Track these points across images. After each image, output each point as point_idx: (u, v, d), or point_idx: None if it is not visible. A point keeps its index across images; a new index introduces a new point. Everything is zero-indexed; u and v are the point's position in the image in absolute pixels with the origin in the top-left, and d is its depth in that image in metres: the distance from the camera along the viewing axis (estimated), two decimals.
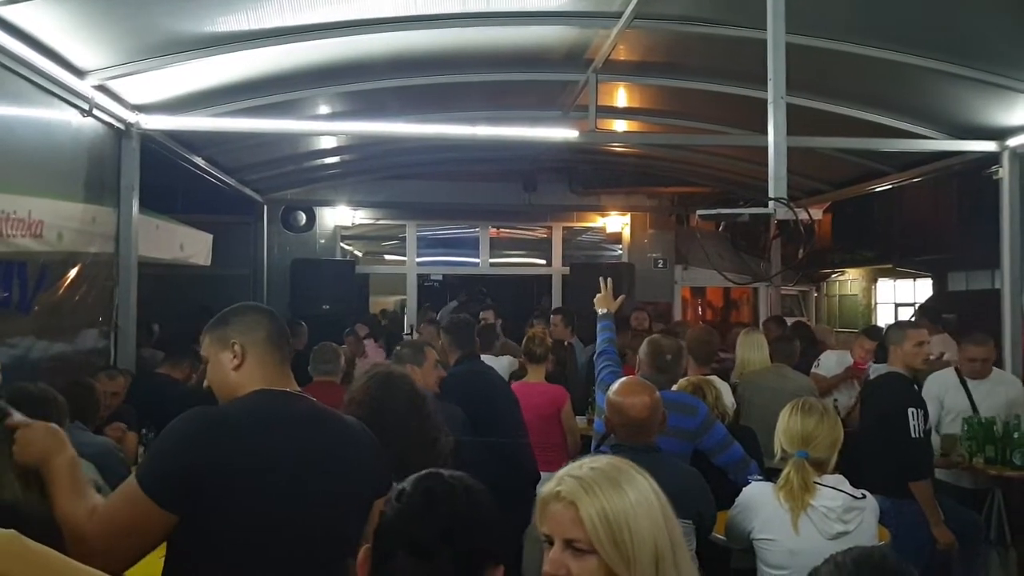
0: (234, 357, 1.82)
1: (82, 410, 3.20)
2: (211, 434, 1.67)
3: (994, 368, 4.71)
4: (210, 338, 1.88)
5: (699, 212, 3.29)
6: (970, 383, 4.57)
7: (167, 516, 1.60)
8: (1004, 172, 5.36)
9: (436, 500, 1.26)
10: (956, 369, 4.68)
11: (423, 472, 1.32)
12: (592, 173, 9.79)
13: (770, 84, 2.80)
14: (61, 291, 4.20)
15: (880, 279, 19.17)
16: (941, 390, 4.57)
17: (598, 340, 3.79)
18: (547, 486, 1.42)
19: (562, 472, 1.42)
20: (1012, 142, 5.28)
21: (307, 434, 1.77)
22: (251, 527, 1.63)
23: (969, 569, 4.05)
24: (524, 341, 4.78)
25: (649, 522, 1.33)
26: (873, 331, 6.24)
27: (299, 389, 1.88)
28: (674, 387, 3.60)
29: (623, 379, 2.84)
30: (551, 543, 1.37)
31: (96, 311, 4.67)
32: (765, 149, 3.12)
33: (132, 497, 1.61)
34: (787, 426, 2.68)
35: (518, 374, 5.08)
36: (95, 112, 4.33)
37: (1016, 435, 4.31)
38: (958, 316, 9.83)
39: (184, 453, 1.63)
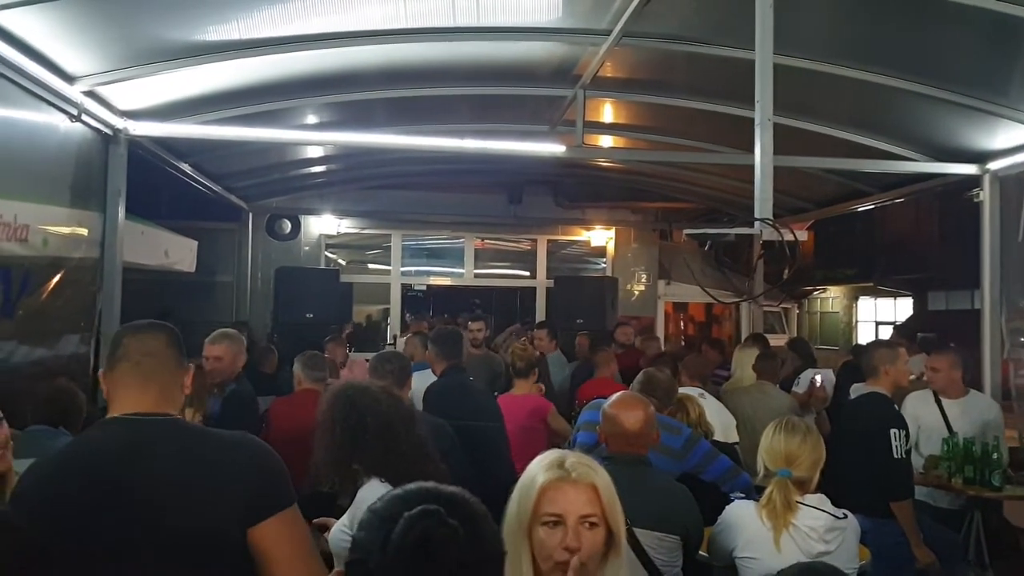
0: (104, 386, 1.75)
1: (64, 414, 3.17)
2: (35, 474, 1.66)
3: (971, 390, 4.76)
4: None
5: (686, 231, 3.33)
6: (945, 403, 4.62)
7: None
8: (985, 195, 5.44)
9: (436, 549, 1.01)
10: (933, 390, 4.74)
11: (416, 511, 1.03)
12: (577, 187, 9.83)
13: (757, 106, 2.84)
14: (44, 296, 4.15)
15: (861, 297, 19.42)
16: (918, 410, 4.63)
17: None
18: (546, 473, 1.60)
19: (552, 459, 1.63)
20: (993, 165, 5.36)
21: (129, 467, 1.62)
22: (73, 565, 1.56)
23: None
24: (509, 354, 4.83)
25: None
26: (857, 350, 6.32)
27: (168, 412, 1.74)
28: None
29: (620, 393, 2.87)
30: (555, 524, 1.55)
31: (79, 317, 4.62)
32: (749, 166, 3.17)
33: None
34: (770, 445, 2.71)
35: (504, 387, 5.11)
36: (83, 117, 4.30)
37: (995, 456, 4.36)
38: (938, 335, 9.98)
39: (16, 493, 1.65)
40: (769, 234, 2.68)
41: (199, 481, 1.63)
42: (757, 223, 2.66)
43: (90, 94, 4.27)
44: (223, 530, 1.61)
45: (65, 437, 3.04)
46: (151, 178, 5.83)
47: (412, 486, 1.11)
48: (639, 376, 3.63)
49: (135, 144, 5.00)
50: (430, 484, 1.11)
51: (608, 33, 4.12)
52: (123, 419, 1.69)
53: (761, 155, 2.84)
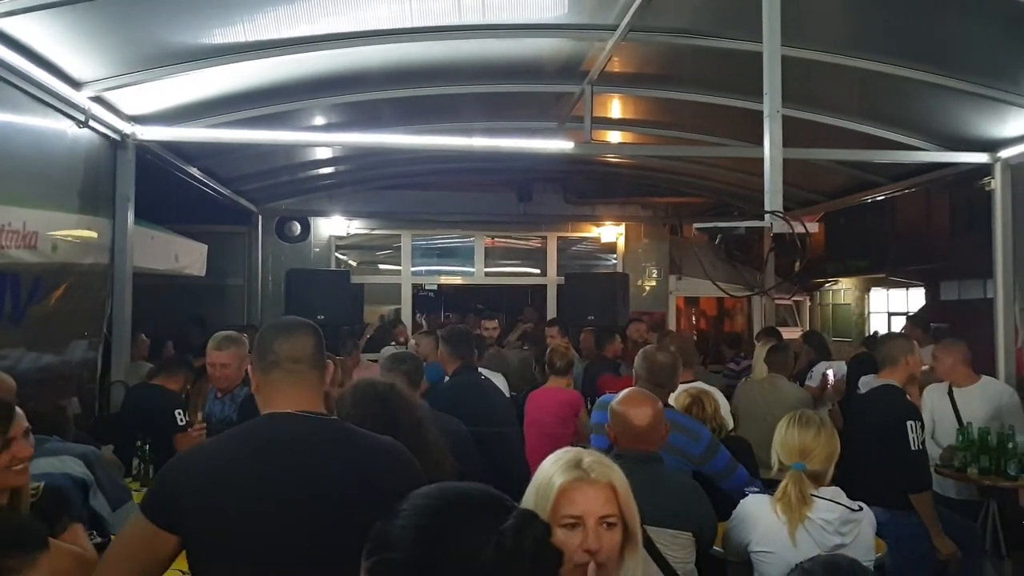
0: (254, 382, 1.83)
1: (57, 428, 3.28)
2: (195, 463, 1.70)
3: (984, 376, 4.74)
4: None
5: (696, 225, 3.31)
6: (956, 392, 4.61)
7: (165, 536, 1.62)
8: (996, 183, 5.40)
9: (547, 549, 1.05)
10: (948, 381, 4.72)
11: (516, 518, 1.04)
12: (587, 183, 9.81)
13: (766, 98, 2.82)
14: (53, 302, 4.18)
15: (873, 288, 19.28)
16: (933, 401, 4.62)
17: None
18: (564, 474, 1.57)
19: (569, 459, 1.60)
20: (1004, 153, 5.32)
21: (297, 462, 1.67)
22: (229, 557, 1.61)
23: None
24: (547, 354, 4.91)
25: None
26: (870, 341, 6.28)
27: (320, 411, 1.80)
28: (673, 395, 3.61)
29: (627, 390, 2.85)
30: (574, 525, 1.53)
31: (88, 323, 4.64)
32: (759, 159, 3.15)
33: (133, 522, 1.68)
34: (784, 438, 2.69)
35: (515, 385, 5.16)
36: (91, 123, 4.33)
37: (1010, 445, 4.31)
38: (950, 325, 9.90)
39: (171, 478, 1.68)
40: (780, 227, 2.66)
41: (357, 484, 1.67)
42: (767, 216, 2.63)
43: (97, 99, 4.29)
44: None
45: (57, 443, 3.12)
46: (160, 182, 5.85)
47: (467, 491, 1.08)
48: (641, 362, 3.48)
49: (143, 149, 5.02)
50: (482, 486, 1.10)
51: (614, 28, 4.10)
52: (283, 415, 1.75)
53: (770, 147, 2.82)
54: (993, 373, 5.18)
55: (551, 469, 1.61)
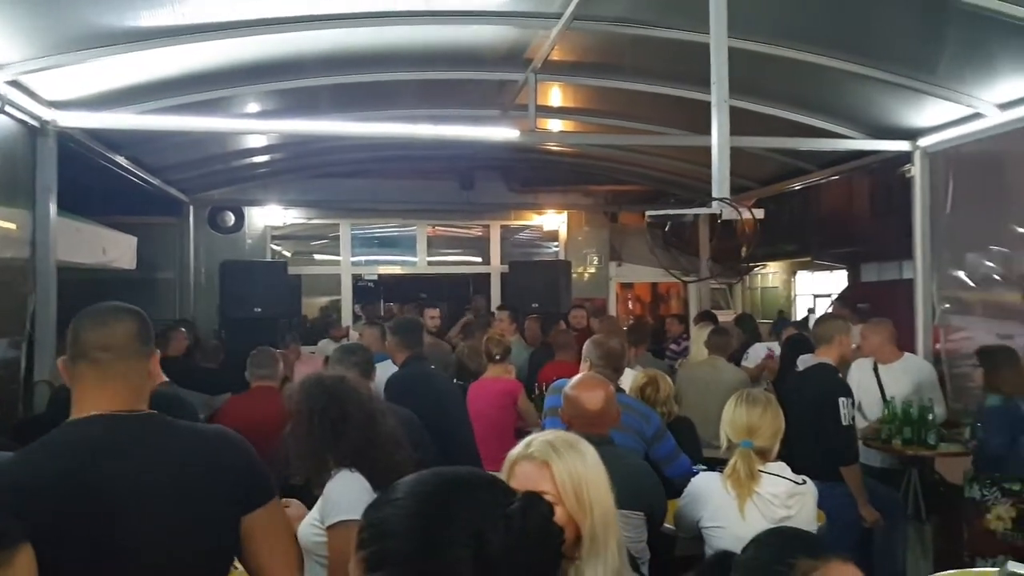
0: (63, 375, 1.66)
1: None
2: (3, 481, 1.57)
3: (906, 353, 5.01)
4: None
5: (648, 213, 3.37)
6: (880, 368, 4.87)
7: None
8: (916, 170, 5.66)
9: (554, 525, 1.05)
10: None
11: (522, 499, 1.02)
12: (529, 171, 9.83)
13: (713, 88, 2.88)
14: None
15: (799, 271, 20.07)
16: (859, 377, 4.86)
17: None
18: (515, 450, 1.64)
19: (528, 439, 1.66)
20: (923, 142, 5.57)
21: (111, 468, 1.56)
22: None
23: (890, 542, 4.30)
24: (484, 341, 4.93)
25: (601, 482, 1.62)
26: (802, 323, 6.54)
27: (135, 407, 1.66)
28: (624, 377, 3.68)
29: (580, 375, 2.90)
30: None
31: (6, 320, 4.39)
32: (696, 147, 3.23)
33: None
34: (732, 417, 2.79)
35: (456, 376, 5.16)
36: (7, 109, 4.07)
37: (930, 417, 4.60)
38: (871, 305, 10.39)
39: None
40: (729, 213, 2.74)
41: (187, 477, 1.62)
42: (715, 203, 2.71)
43: (14, 84, 4.05)
44: (213, 522, 1.63)
45: None
46: (85, 172, 5.57)
47: (461, 473, 1.05)
48: (593, 350, 3.52)
49: (65, 136, 4.76)
50: (473, 468, 1.09)
51: (558, 16, 4.11)
52: (89, 420, 1.60)
53: (718, 136, 2.89)
54: (911, 349, 5.48)
55: None
